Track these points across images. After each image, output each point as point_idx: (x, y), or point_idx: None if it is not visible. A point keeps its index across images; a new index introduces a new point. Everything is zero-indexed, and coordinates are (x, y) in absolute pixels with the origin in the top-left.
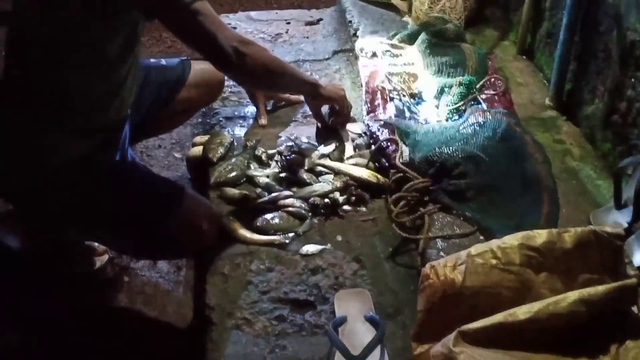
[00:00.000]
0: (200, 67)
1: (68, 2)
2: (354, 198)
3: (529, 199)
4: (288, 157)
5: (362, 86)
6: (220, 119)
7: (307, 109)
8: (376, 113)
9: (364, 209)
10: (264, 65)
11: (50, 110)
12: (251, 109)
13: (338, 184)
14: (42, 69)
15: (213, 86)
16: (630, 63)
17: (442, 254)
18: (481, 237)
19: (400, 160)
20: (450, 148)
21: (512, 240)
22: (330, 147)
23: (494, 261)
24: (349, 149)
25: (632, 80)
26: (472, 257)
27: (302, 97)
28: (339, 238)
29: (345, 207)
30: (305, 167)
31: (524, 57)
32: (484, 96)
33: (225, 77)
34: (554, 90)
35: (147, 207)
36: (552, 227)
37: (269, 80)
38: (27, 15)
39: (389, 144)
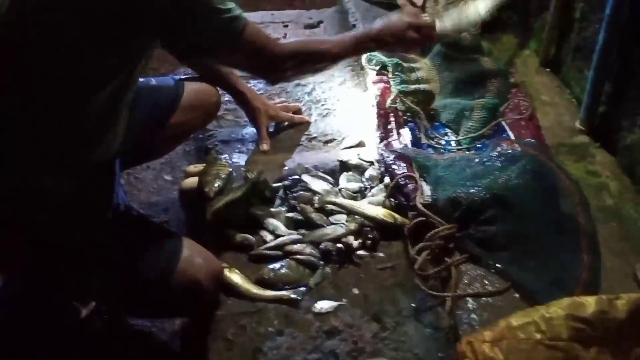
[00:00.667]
0: (195, 88)
1: (62, 29)
2: (369, 242)
3: (566, 248)
4: (295, 194)
5: (373, 106)
6: (216, 142)
7: (312, 130)
8: (390, 140)
9: (381, 254)
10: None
11: (35, 149)
12: (250, 131)
13: (352, 226)
14: (27, 107)
15: (209, 108)
16: None
17: (473, 316)
18: (516, 295)
19: (421, 200)
20: (477, 188)
21: (557, 309)
22: (354, 184)
23: (538, 335)
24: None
25: None
26: (513, 330)
27: (307, 117)
28: (356, 291)
29: (360, 252)
30: (315, 205)
31: (548, 69)
32: (508, 121)
33: (221, 97)
34: (586, 113)
35: (140, 264)
36: (594, 282)
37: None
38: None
39: (407, 180)
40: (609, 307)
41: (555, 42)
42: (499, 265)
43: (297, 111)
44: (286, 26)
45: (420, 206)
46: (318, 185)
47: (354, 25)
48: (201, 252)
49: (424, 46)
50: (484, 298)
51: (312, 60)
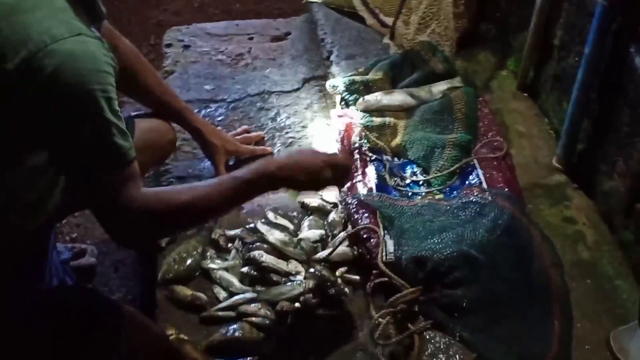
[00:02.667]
0: (148, 126)
1: None
2: (329, 301)
3: (536, 314)
4: (250, 246)
5: (337, 142)
6: (171, 179)
7: None
8: (354, 182)
9: (341, 312)
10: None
11: None
12: (209, 165)
13: (310, 283)
14: None
15: (163, 147)
16: None
17: None
18: None
19: (384, 259)
20: (443, 245)
21: None
22: (314, 233)
23: None
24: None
25: None
26: None
27: (269, 148)
28: (312, 359)
29: (320, 311)
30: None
31: (525, 94)
32: (481, 159)
33: (176, 134)
34: (563, 151)
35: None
36: (565, 354)
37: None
38: None
39: (369, 234)
40: None
41: (534, 67)
42: (465, 334)
43: (260, 140)
44: (251, 39)
45: (382, 266)
46: (275, 235)
47: (322, 39)
48: (146, 324)
49: (339, 185)
50: None
51: (184, 216)
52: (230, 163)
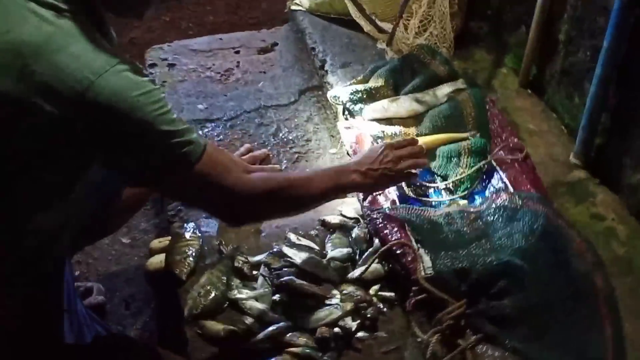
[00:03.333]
0: None
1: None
2: (368, 322)
3: (585, 318)
4: (278, 272)
5: (348, 155)
6: (179, 207)
7: None
8: (374, 195)
9: (382, 333)
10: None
11: None
12: None
13: (348, 306)
14: None
15: None
16: None
17: None
18: None
19: (423, 274)
20: (483, 254)
21: None
22: (342, 252)
23: None
24: None
25: None
26: None
27: (277, 166)
28: None
29: (360, 334)
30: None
31: (529, 90)
32: (500, 164)
33: None
34: (582, 146)
35: None
36: (619, 350)
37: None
38: None
39: (403, 249)
40: None
41: (536, 63)
42: (517, 345)
43: (266, 158)
44: (238, 52)
45: (424, 282)
46: (304, 258)
47: (313, 49)
48: None
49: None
50: None
51: (287, 202)
52: None
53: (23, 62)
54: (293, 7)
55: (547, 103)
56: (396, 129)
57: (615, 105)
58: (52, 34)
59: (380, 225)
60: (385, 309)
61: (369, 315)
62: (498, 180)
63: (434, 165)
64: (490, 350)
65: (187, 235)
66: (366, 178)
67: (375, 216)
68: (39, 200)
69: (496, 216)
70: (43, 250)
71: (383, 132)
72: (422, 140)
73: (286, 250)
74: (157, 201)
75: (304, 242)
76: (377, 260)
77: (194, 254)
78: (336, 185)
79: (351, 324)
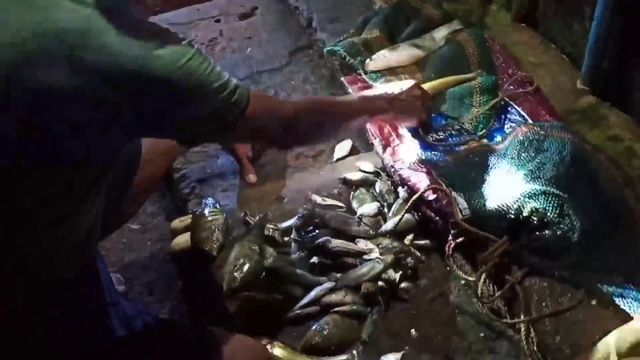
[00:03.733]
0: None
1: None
2: (410, 271)
3: (625, 239)
4: (311, 234)
5: None
6: (192, 184)
7: None
8: (393, 147)
9: (424, 280)
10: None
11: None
12: (225, 160)
13: (389, 258)
14: None
15: (170, 153)
16: None
17: (557, 337)
18: (593, 302)
19: (461, 216)
20: (518, 189)
21: None
22: (371, 206)
23: None
24: None
25: None
26: (625, 357)
27: None
28: (414, 333)
29: (404, 284)
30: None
31: (523, 24)
32: (514, 98)
33: None
34: (589, 71)
35: None
36: None
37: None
38: None
39: (437, 195)
40: None
41: None
42: (565, 273)
43: None
44: (218, 21)
45: (465, 225)
46: (333, 217)
47: (297, 8)
48: (239, 343)
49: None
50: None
51: (326, 119)
52: (248, 154)
53: (69, 51)
54: None
55: (544, 35)
56: (401, 77)
57: (621, 26)
58: (90, 16)
59: (406, 175)
60: (423, 257)
61: (409, 265)
62: (515, 114)
63: (445, 108)
64: (539, 281)
65: (208, 211)
66: (393, 104)
67: (398, 167)
68: (82, 193)
69: (523, 149)
70: (87, 244)
71: (390, 80)
72: (429, 85)
73: (318, 211)
74: (160, 183)
75: (330, 201)
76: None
77: (220, 228)
78: (366, 106)
79: (394, 275)
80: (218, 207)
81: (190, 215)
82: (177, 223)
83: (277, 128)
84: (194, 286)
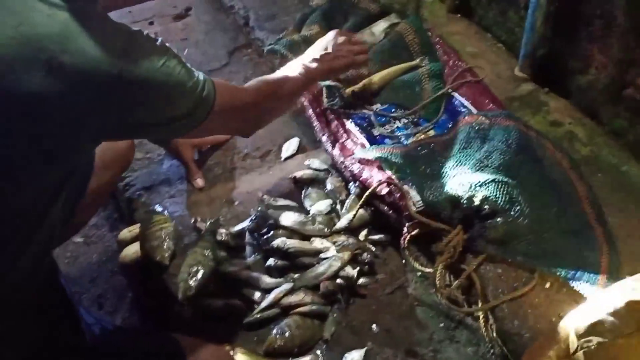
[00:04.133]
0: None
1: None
2: (367, 266)
3: (574, 220)
4: (266, 236)
5: (305, 105)
6: (138, 192)
7: (240, 146)
8: (342, 142)
9: (382, 274)
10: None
11: None
12: (170, 165)
13: (346, 255)
14: None
15: (124, 159)
16: None
17: (515, 322)
18: (547, 286)
19: (414, 208)
20: (468, 178)
21: (615, 299)
22: (323, 204)
23: (610, 335)
24: None
25: None
26: (584, 337)
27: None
28: (375, 328)
29: (362, 280)
30: (295, 247)
31: (459, 15)
32: (455, 87)
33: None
34: (526, 59)
35: None
36: (613, 247)
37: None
38: None
39: (390, 189)
40: None
41: None
42: (519, 258)
43: None
44: (152, 23)
45: (419, 216)
46: (287, 218)
47: (232, 7)
48: (204, 350)
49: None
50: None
51: (280, 100)
52: (195, 158)
53: (48, 55)
54: None
55: (479, 24)
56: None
57: (555, 13)
58: (67, 20)
59: (357, 171)
60: (378, 252)
61: (366, 261)
62: (459, 105)
63: (396, 97)
64: (494, 268)
65: (157, 218)
66: (327, 61)
67: (348, 162)
68: (50, 195)
69: (469, 139)
70: (50, 248)
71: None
72: (375, 78)
73: (271, 212)
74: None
75: (282, 202)
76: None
77: (170, 236)
78: (308, 74)
79: (352, 272)
80: (167, 214)
81: (138, 225)
82: (125, 233)
83: (241, 117)
84: (146, 297)
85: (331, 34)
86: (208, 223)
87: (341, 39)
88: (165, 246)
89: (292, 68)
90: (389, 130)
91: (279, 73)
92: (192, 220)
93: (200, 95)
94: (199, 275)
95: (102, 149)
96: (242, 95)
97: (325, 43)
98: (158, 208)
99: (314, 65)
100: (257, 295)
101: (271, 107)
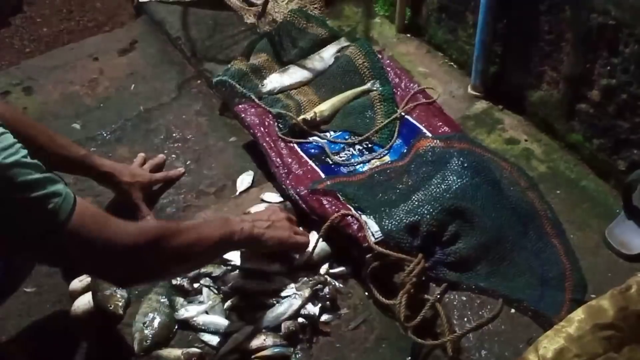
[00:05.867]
0: None
1: None
2: (329, 303)
3: (535, 239)
4: (223, 279)
5: (259, 136)
6: None
7: (193, 182)
8: (296, 173)
9: (344, 310)
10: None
11: None
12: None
13: (306, 292)
14: None
15: None
16: (601, 48)
17: (483, 352)
18: (512, 311)
19: (373, 239)
20: (425, 205)
21: (580, 324)
22: None
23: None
24: None
25: (608, 68)
26: None
27: (181, 169)
28: None
29: (324, 317)
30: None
31: (409, 35)
32: (408, 110)
33: None
34: (478, 77)
35: None
36: (575, 267)
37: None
38: None
39: (347, 220)
40: (624, 302)
41: (410, 6)
42: (482, 284)
43: (163, 163)
44: (96, 59)
45: (377, 248)
46: (244, 258)
47: (178, 38)
48: None
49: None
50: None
51: (171, 240)
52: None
53: None
54: (142, 0)
55: (429, 43)
56: (297, 99)
57: (504, 31)
58: None
59: (312, 204)
60: (340, 286)
61: (327, 296)
62: (413, 129)
63: (348, 124)
64: (458, 296)
65: None
66: (254, 228)
67: (302, 193)
68: None
69: (425, 164)
70: None
71: (286, 105)
72: (328, 104)
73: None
74: None
75: None
76: (321, 239)
77: None
78: (224, 233)
79: (314, 309)
80: None
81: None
82: (76, 283)
83: (105, 254)
84: (101, 350)
85: (274, 207)
86: None
87: (281, 214)
88: (118, 295)
89: (216, 221)
90: (343, 159)
91: (197, 221)
92: None
93: (47, 207)
94: (155, 324)
95: None
96: (117, 229)
97: (261, 211)
98: None
99: (240, 225)
100: (216, 341)
101: (161, 259)
